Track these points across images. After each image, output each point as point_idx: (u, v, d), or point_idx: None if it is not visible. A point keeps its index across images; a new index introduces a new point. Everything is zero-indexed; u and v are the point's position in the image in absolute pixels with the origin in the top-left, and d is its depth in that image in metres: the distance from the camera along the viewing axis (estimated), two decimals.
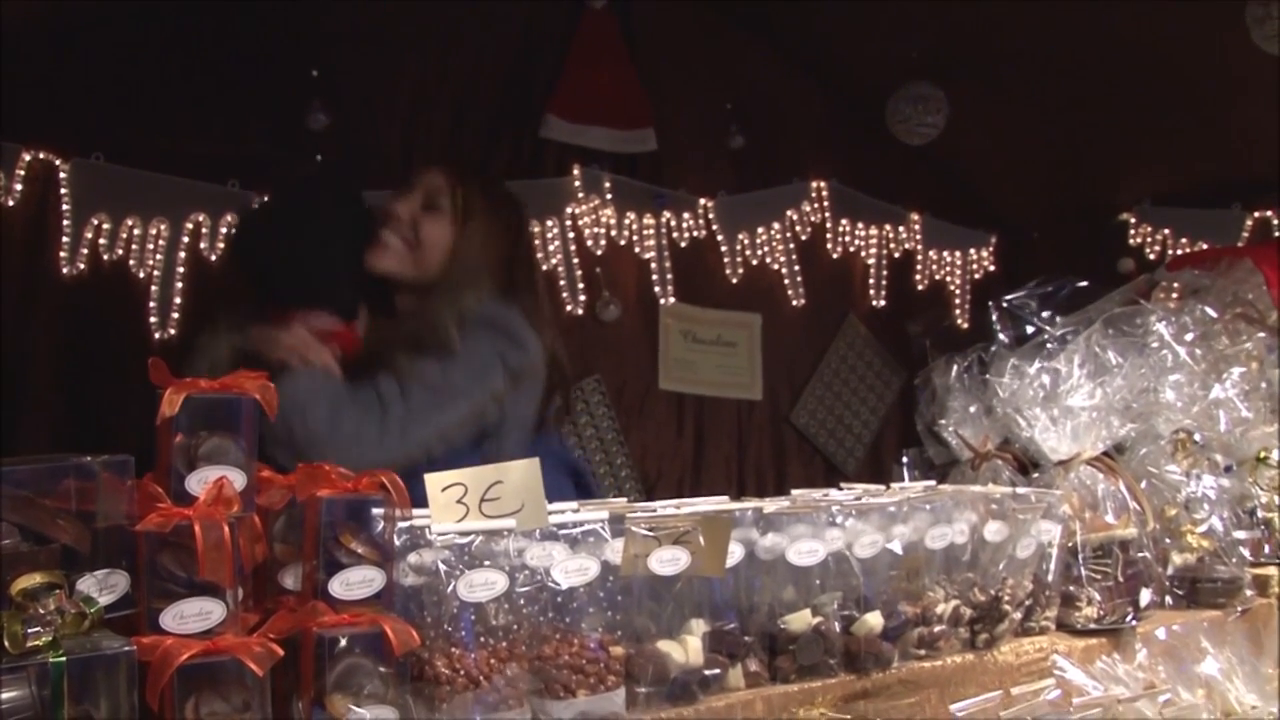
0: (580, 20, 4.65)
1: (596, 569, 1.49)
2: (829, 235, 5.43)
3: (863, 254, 5.56)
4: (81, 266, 3.82)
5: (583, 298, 4.72)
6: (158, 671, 1.18)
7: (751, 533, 1.70)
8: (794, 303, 5.32)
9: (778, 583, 1.72)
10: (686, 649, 1.57)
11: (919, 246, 5.70)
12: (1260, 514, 2.66)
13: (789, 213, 5.30)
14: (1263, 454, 2.73)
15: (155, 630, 1.23)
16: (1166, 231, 5.59)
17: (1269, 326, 2.96)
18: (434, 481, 1.46)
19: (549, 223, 4.62)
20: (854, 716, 1.65)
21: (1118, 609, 2.14)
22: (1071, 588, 2.14)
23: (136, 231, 3.90)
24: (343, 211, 2.75)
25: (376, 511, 1.38)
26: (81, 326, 3.80)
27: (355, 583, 1.34)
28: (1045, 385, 2.31)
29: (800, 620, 1.70)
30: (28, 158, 3.72)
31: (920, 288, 5.72)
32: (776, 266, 5.28)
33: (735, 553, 1.65)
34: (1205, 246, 5.21)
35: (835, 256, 5.47)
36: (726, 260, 5.12)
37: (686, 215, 4.99)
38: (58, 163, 3.78)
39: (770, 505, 1.76)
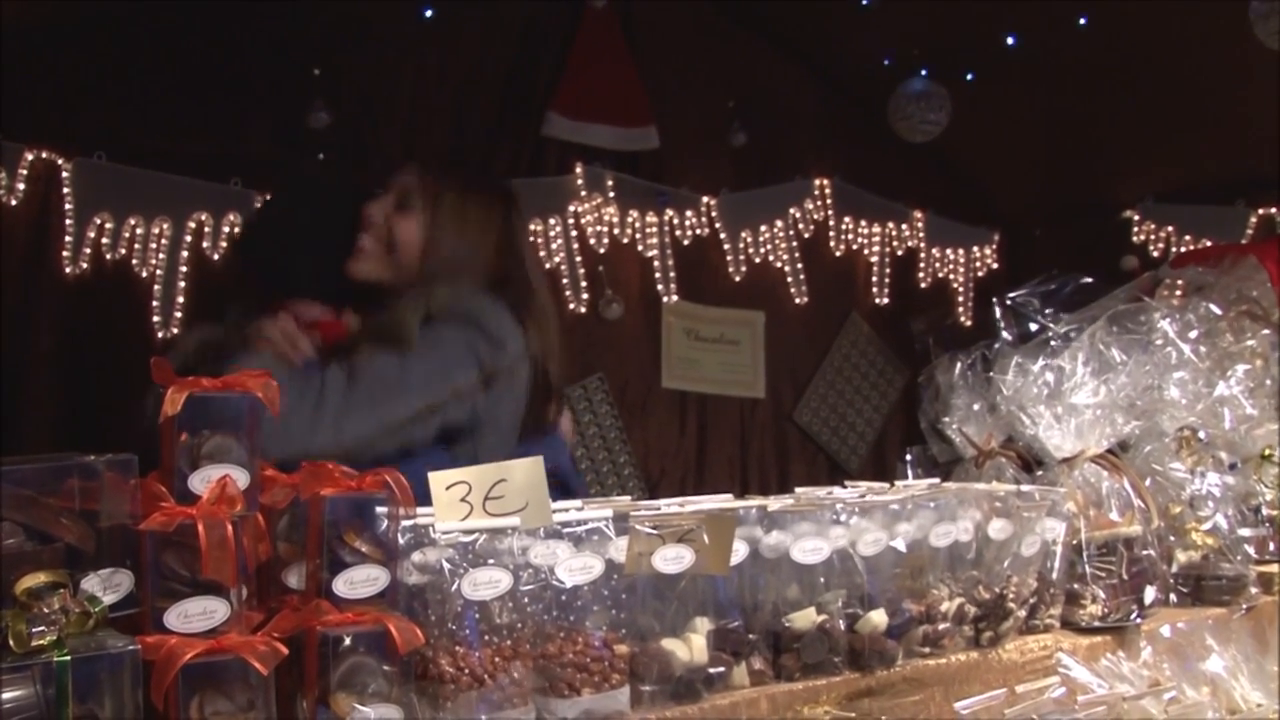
0: (582, 18, 4.65)
1: (601, 567, 1.49)
2: (832, 233, 5.43)
3: (865, 252, 5.56)
4: (84, 266, 3.82)
5: (585, 296, 4.72)
6: (162, 671, 1.18)
7: (756, 531, 1.70)
8: (797, 301, 5.32)
9: (782, 581, 1.72)
10: (691, 647, 1.57)
11: (922, 244, 5.70)
12: (1265, 511, 2.65)
13: (791, 210, 5.30)
14: (1267, 451, 2.72)
15: (159, 629, 1.23)
16: (1170, 229, 5.59)
17: (1273, 323, 2.95)
18: (438, 480, 1.46)
19: (551, 221, 4.62)
20: (858, 714, 1.64)
21: (1122, 607, 2.14)
22: (1076, 585, 2.13)
23: (139, 231, 3.91)
24: (341, 204, 2.75)
25: (380, 510, 1.38)
26: (84, 326, 3.80)
27: (359, 581, 1.34)
28: (1049, 383, 2.30)
29: (804, 618, 1.70)
30: (30, 157, 3.73)
31: (923, 285, 5.72)
32: (779, 264, 5.28)
33: (739, 551, 1.64)
34: (1209, 244, 5.20)
35: (838, 254, 5.47)
36: (729, 258, 5.12)
37: (689, 213, 4.99)
38: (60, 162, 3.79)
39: (774, 503, 1.75)
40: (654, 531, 1.53)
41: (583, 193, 4.66)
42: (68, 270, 3.78)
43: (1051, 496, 2.08)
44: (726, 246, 5.10)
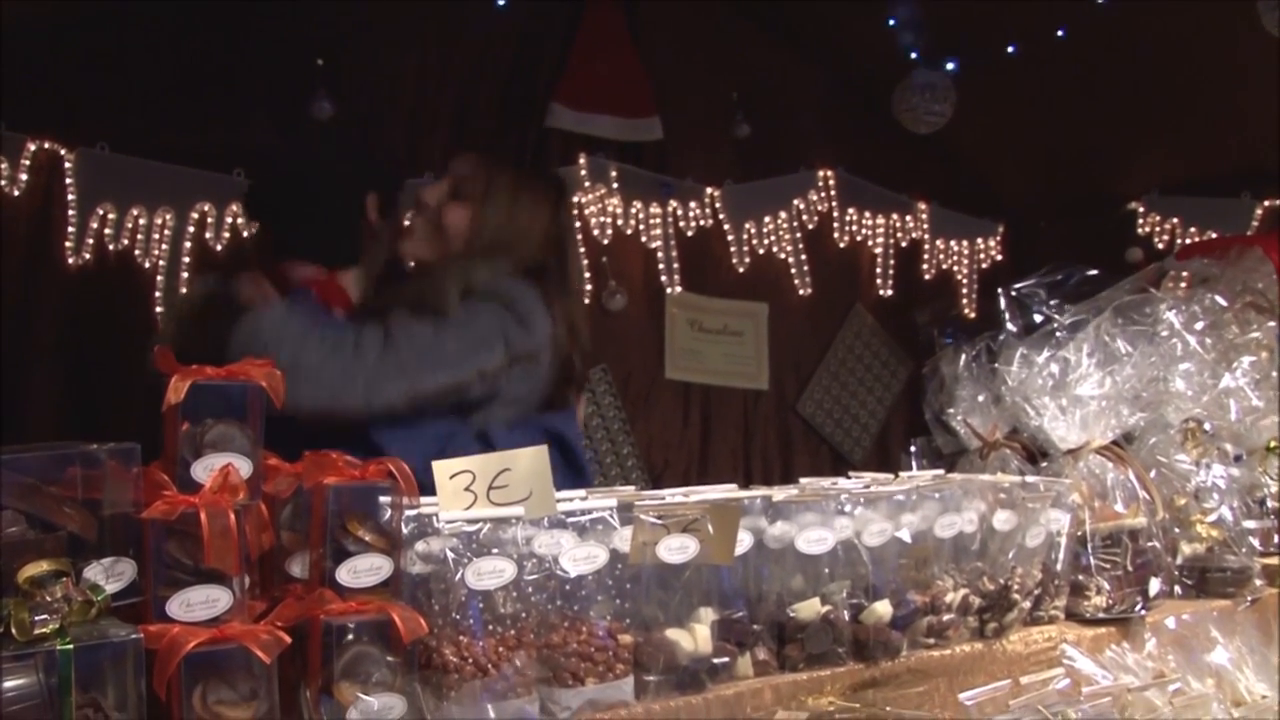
0: (585, 9, 4.64)
1: (605, 557, 1.49)
2: (836, 224, 5.42)
3: (870, 243, 5.55)
4: (87, 256, 3.82)
5: (589, 287, 4.71)
6: (165, 659, 1.18)
7: (760, 521, 1.69)
8: (800, 292, 5.32)
9: (786, 571, 1.72)
10: (695, 637, 1.56)
11: (926, 236, 5.69)
12: (1270, 503, 2.65)
13: (795, 201, 5.29)
14: (1273, 443, 2.72)
15: (162, 618, 1.23)
16: (1175, 220, 5.57)
17: (1278, 315, 2.95)
18: (442, 469, 1.46)
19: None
20: (862, 705, 1.64)
21: (1127, 598, 2.13)
22: (1080, 577, 2.13)
23: (142, 221, 3.90)
24: (340, 166, 2.79)
25: (384, 499, 1.38)
26: (87, 316, 3.80)
27: (363, 570, 1.33)
28: (1054, 374, 2.30)
29: (809, 609, 1.70)
30: (33, 148, 3.72)
31: (927, 277, 5.71)
32: (783, 256, 5.27)
33: (744, 541, 1.64)
34: (1214, 235, 5.18)
35: (842, 246, 5.46)
36: (733, 249, 5.11)
37: (693, 204, 4.98)
38: (63, 153, 3.78)
39: (779, 493, 1.75)
40: (659, 521, 1.53)
41: (586, 183, 4.65)
42: (70, 261, 3.77)
43: (1056, 488, 2.08)
44: (730, 238, 5.09)
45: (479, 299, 2.49)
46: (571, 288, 2.74)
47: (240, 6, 3.82)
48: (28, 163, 3.71)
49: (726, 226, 5.09)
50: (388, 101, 4.32)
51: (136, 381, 2.26)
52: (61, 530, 1.22)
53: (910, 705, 1.69)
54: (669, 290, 4.95)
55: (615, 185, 4.72)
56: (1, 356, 3.51)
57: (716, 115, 5.03)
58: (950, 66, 4.79)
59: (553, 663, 1.43)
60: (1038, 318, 2.45)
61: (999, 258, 5.91)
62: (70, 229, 3.78)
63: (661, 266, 4.92)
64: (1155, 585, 2.18)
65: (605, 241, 4.77)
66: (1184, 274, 3.28)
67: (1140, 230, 5.62)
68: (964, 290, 5.82)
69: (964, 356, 2.44)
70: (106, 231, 3.85)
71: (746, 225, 5.15)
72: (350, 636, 1.30)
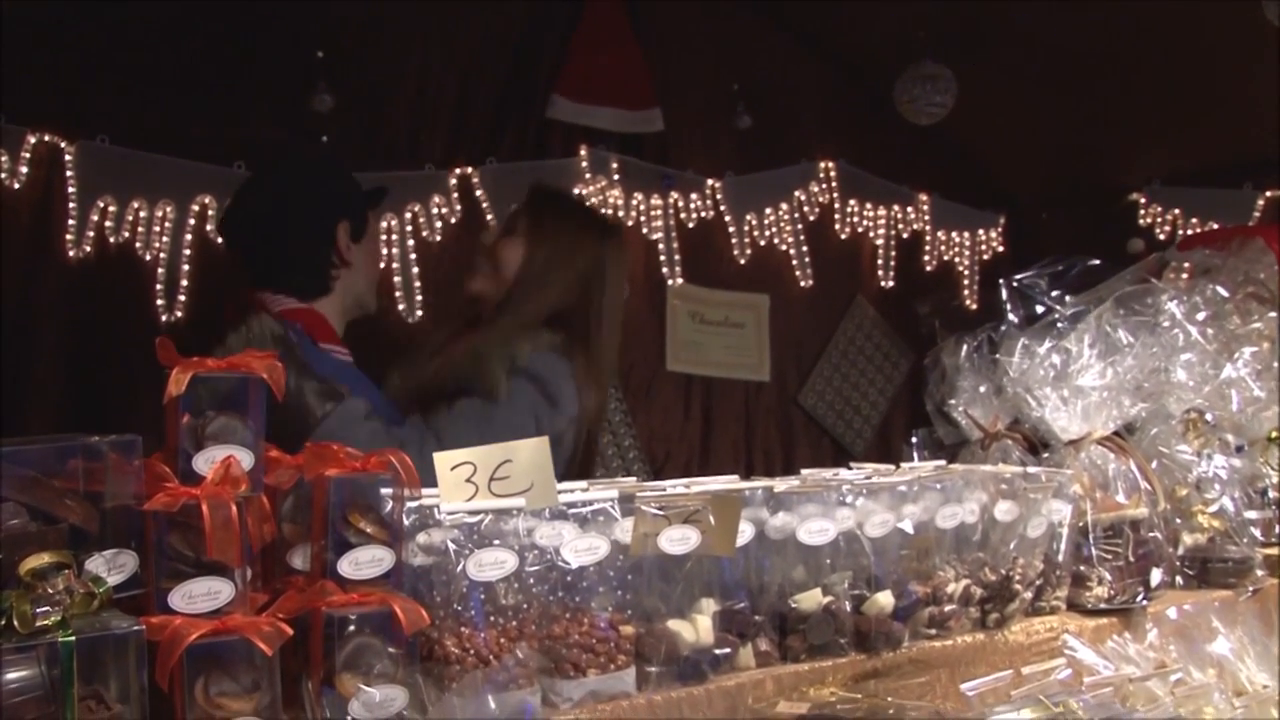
0: (586, 1, 4.63)
1: (606, 548, 1.49)
2: (837, 216, 5.41)
3: (871, 235, 5.54)
4: (88, 249, 3.81)
5: None
6: (167, 651, 1.18)
7: (762, 512, 1.69)
8: (802, 284, 5.31)
9: (788, 562, 1.72)
10: (697, 628, 1.57)
11: (927, 227, 5.68)
12: (1271, 494, 2.65)
13: (797, 193, 5.28)
14: (1274, 434, 2.72)
15: (164, 610, 1.23)
16: (1177, 211, 5.56)
17: None
18: (443, 460, 1.46)
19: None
20: (864, 696, 1.64)
21: (1128, 589, 2.14)
22: (1082, 567, 2.13)
23: (142, 214, 3.89)
24: (308, 197, 2.78)
25: (385, 491, 1.38)
26: (88, 309, 3.79)
27: (364, 562, 1.34)
28: (1056, 365, 2.30)
29: (811, 599, 1.70)
30: (33, 140, 3.71)
31: (929, 269, 5.71)
32: (784, 247, 5.26)
33: (745, 532, 1.64)
34: (1216, 226, 5.18)
35: (843, 237, 5.45)
36: (734, 241, 5.10)
37: (694, 196, 4.97)
38: (63, 145, 3.77)
39: (781, 484, 1.75)
40: (660, 512, 1.53)
41: (587, 175, 4.64)
42: (71, 254, 3.76)
43: (1058, 479, 2.08)
44: (731, 229, 5.08)
45: (518, 379, 2.63)
46: (603, 351, 2.83)
47: None
48: (28, 155, 3.70)
49: (727, 218, 5.08)
50: (388, 94, 4.31)
51: (138, 374, 2.28)
52: (63, 522, 1.23)
53: (912, 696, 1.69)
54: (670, 282, 4.94)
55: (616, 177, 4.71)
56: (2, 349, 3.50)
57: (717, 107, 5.02)
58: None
59: (554, 654, 1.44)
60: (1039, 309, 2.45)
61: (1000, 249, 5.90)
62: (70, 222, 3.77)
63: (662, 258, 4.91)
64: (1157, 576, 2.18)
65: None
66: (1185, 265, 3.28)
67: (1141, 221, 5.60)
68: (965, 281, 5.82)
69: (965, 347, 2.44)
70: (107, 224, 3.84)
71: (747, 217, 5.14)
72: (352, 628, 1.30)
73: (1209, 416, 2.59)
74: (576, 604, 1.48)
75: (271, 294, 2.68)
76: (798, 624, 1.69)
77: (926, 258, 5.70)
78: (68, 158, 3.78)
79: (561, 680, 1.43)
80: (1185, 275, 3.17)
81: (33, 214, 3.75)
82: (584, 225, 2.97)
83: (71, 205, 3.78)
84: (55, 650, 1.12)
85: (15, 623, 1.11)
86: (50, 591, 1.14)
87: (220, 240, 3.60)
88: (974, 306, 5.70)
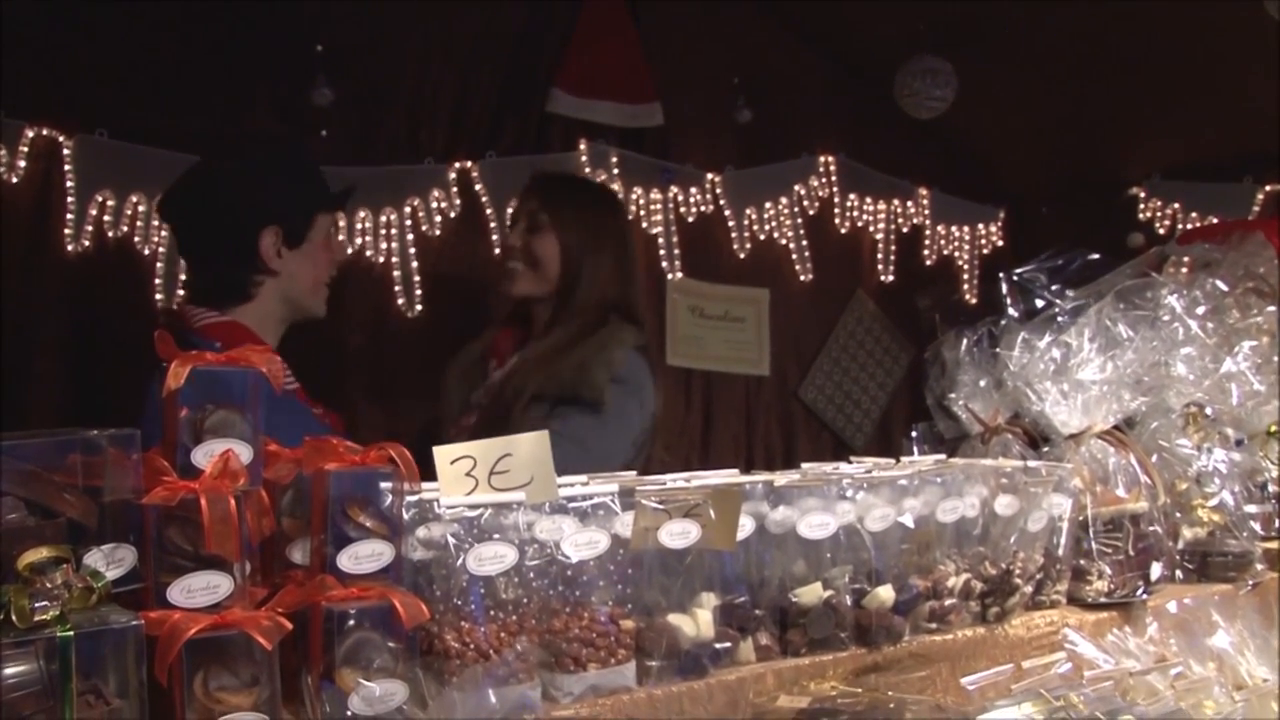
0: None
1: (606, 542, 1.49)
2: (837, 210, 5.41)
3: (871, 229, 5.53)
4: (86, 243, 3.81)
5: None
6: (166, 646, 1.17)
7: (762, 506, 1.69)
8: (802, 278, 5.30)
9: (788, 556, 1.72)
10: (697, 622, 1.56)
11: (927, 221, 5.67)
12: (1271, 488, 2.65)
13: (797, 187, 5.27)
14: (1273, 428, 2.72)
15: (163, 604, 1.22)
16: (1176, 205, 5.56)
17: None
18: (443, 454, 1.45)
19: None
20: (865, 690, 1.64)
21: (1128, 583, 2.13)
22: (1082, 561, 2.13)
23: (141, 208, 3.89)
24: (237, 197, 2.64)
25: (385, 485, 1.37)
26: (86, 304, 3.79)
27: (364, 557, 1.33)
28: (1056, 359, 2.29)
29: (811, 594, 1.70)
30: (31, 134, 3.71)
31: (928, 263, 5.70)
32: (784, 241, 5.26)
33: (746, 526, 1.64)
34: (1216, 220, 5.17)
35: (843, 231, 5.45)
36: (734, 235, 5.10)
37: (694, 190, 4.96)
38: (61, 139, 3.77)
39: (781, 478, 1.75)
40: (660, 506, 1.53)
41: (587, 169, 4.64)
42: (70, 248, 3.76)
43: (1058, 472, 2.08)
44: (731, 224, 5.07)
45: (619, 387, 2.79)
46: (652, 339, 3.09)
47: None
48: (26, 149, 3.69)
49: (727, 212, 5.07)
50: (388, 88, 4.30)
51: (137, 368, 2.27)
52: (62, 517, 1.22)
53: (912, 690, 1.69)
54: (670, 276, 4.93)
55: (616, 171, 4.70)
56: (1, 343, 3.50)
57: (718, 101, 5.01)
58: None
59: (554, 648, 1.43)
60: (1039, 303, 2.45)
61: (1000, 243, 5.89)
62: (69, 216, 3.77)
63: (662, 253, 4.90)
64: (1157, 570, 2.18)
65: None
66: (1185, 259, 3.27)
67: (1141, 215, 5.60)
68: (965, 276, 5.81)
69: (965, 342, 2.44)
70: (106, 218, 3.84)
71: (747, 211, 5.14)
72: (351, 623, 1.30)
73: (1209, 410, 2.58)
74: (577, 598, 1.47)
75: (194, 307, 2.61)
76: (798, 618, 1.69)
77: (926, 252, 5.69)
78: (66, 152, 3.77)
79: (562, 675, 1.43)
80: (1185, 269, 3.16)
81: (31, 208, 3.75)
82: (600, 202, 3.08)
83: (70, 199, 3.77)
84: (54, 645, 1.12)
85: (13, 617, 1.11)
86: (48, 586, 1.14)
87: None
88: (974, 301, 5.70)
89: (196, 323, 2.56)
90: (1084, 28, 4.55)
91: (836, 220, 5.41)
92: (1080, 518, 2.13)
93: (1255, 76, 4.49)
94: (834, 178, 5.37)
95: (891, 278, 5.58)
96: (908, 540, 1.83)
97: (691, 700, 1.52)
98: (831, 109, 5.39)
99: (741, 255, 5.12)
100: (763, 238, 5.18)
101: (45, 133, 3.74)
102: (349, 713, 1.27)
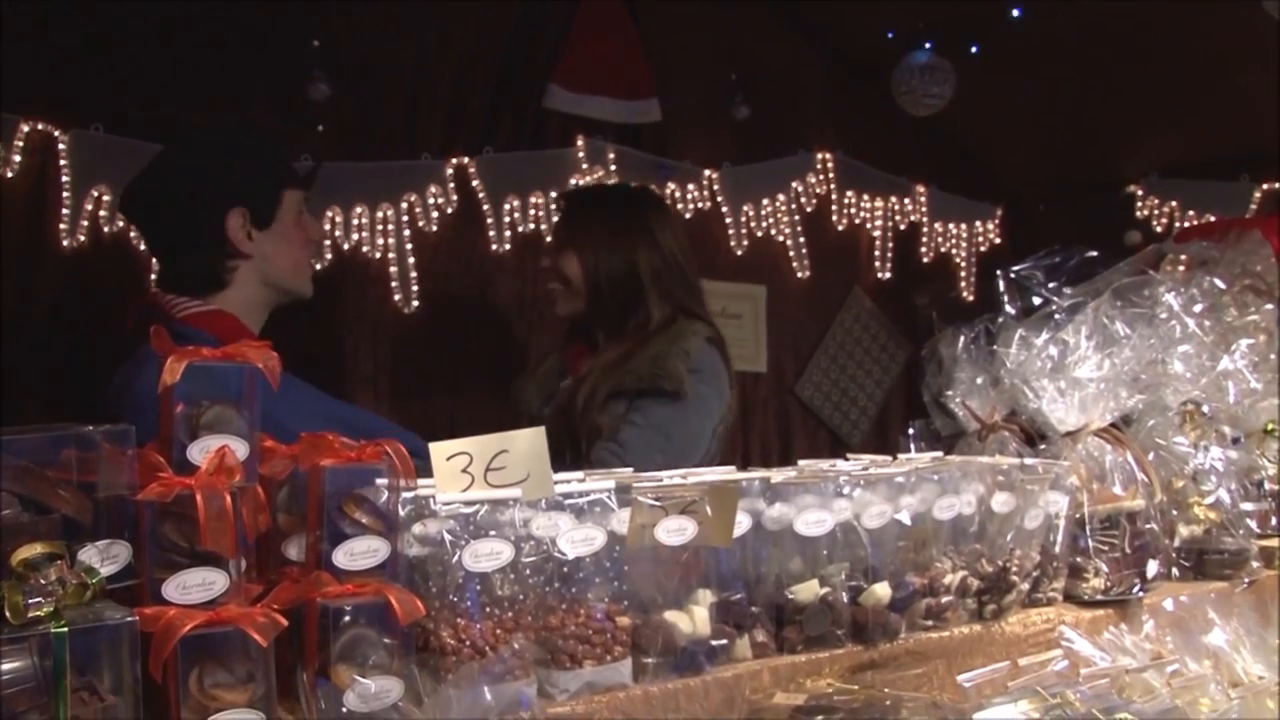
0: None
1: (603, 539, 1.48)
2: (834, 207, 5.41)
3: (868, 226, 5.53)
4: (82, 239, 3.80)
5: None
6: (160, 642, 1.17)
7: (758, 503, 1.69)
8: (799, 275, 5.30)
9: (785, 553, 1.71)
10: (693, 619, 1.56)
11: (924, 218, 5.67)
12: (1267, 486, 2.65)
13: (794, 184, 5.27)
14: (1270, 426, 2.71)
15: (158, 601, 1.22)
16: (1174, 203, 5.56)
17: (1277, 298, 2.95)
18: (439, 451, 1.45)
19: (552, 194, 4.59)
20: (861, 687, 1.64)
21: (1125, 580, 2.13)
22: (1079, 559, 2.13)
23: (124, 209, 3.87)
24: (198, 178, 2.53)
25: (381, 481, 1.37)
26: (82, 299, 3.78)
27: (359, 553, 1.33)
28: (1053, 356, 2.29)
29: (807, 591, 1.69)
30: (26, 129, 3.70)
31: (926, 260, 5.70)
32: (781, 238, 5.26)
33: (742, 523, 1.63)
34: (1213, 218, 5.18)
35: (840, 228, 5.45)
36: (731, 232, 5.10)
37: (691, 186, 4.96)
38: (57, 134, 3.76)
39: (777, 475, 1.75)
40: (656, 503, 1.53)
41: (584, 165, 4.63)
42: (65, 243, 3.75)
43: (1055, 470, 2.08)
44: (728, 220, 5.07)
45: (696, 377, 2.83)
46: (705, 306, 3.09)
47: None
48: (21, 144, 3.68)
49: (725, 209, 5.07)
50: (385, 82, 4.29)
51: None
52: (56, 513, 1.22)
53: (909, 687, 1.69)
54: None
55: (613, 167, 4.70)
56: None
57: (715, 97, 5.01)
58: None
59: (550, 645, 1.43)
60: (1036, 300, 2.45)
61: (997, 240, 5.90)
62: (65, 211, 3.76)
63: None
64: (1153, 567, 2.18)
65: None
66: (1183, 256, 3.27)
67: (1139, 213, 5.60)
68: (962, 273, 5.81)
69: (962, 339, 2.44)
70: (101, 213, 3.83)
71: (745, 208, 5.13)
72: (347, 619, 1.29)
73: (1206, 408, 2.58)
74: (573, 595, 1.47)
75: (173, 296, 2.52)
76: (794, 615, 1.69)
77: (924, 249, 5.69)
78: (61, 146, 3.76)
79: (558, 671, 1.43)
80: (1182, 267, 3.16)
81: (26, 203, 3.74)
82: (626, 211, 3.09)
83: (65, 194, 3.76)
84: (48, 641, 1.11)
85: (7, 614, 1.11)
86: (43, 582, 1.13)
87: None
88: (971, 298, 5.70)
89: (179, 313, 2.47)
90: (1082, 26, 4.54)
91: (834, 217, 5.41)
92: (1077, 515, 2.13)
93: (1253, 75, 4.50)
94: (831, 175, 5.37)
95: (889, 275, 5.58)
96: (904, 537, 1.83)
97: (687, 697, 1.52)
98: (829, 106, 5.39)
99: (739, 252, 5.12)
100: (760, 234, 5.18)
101: (40, 127, 3.73)
102: (344, 709, 1.27)
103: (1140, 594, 2.15)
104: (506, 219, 4.49)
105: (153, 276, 3.88)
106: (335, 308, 4.17)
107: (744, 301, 5.18)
